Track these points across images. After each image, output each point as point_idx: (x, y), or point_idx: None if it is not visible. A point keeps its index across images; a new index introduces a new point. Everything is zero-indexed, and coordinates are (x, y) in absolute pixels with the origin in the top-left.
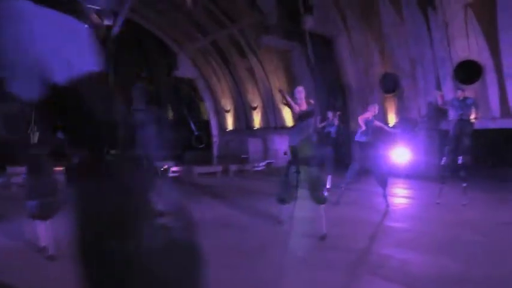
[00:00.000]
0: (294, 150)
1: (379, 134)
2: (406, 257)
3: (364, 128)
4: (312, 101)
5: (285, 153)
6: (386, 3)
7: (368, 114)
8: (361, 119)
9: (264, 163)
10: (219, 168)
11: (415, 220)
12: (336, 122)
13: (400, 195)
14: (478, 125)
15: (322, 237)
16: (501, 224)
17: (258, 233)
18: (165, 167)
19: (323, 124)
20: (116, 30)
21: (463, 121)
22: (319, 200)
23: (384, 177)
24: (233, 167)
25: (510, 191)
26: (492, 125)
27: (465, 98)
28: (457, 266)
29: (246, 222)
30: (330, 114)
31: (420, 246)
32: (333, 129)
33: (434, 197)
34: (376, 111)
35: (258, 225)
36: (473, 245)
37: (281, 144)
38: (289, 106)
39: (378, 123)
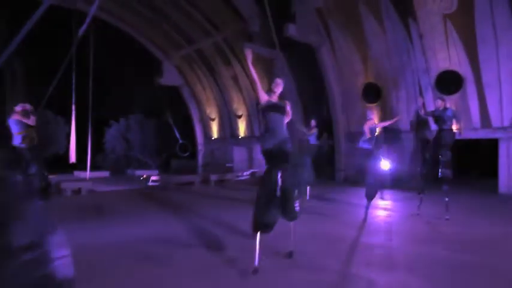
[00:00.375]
0: (269, 154)
1: (380, 143)
2: (374, 278)
3: (369, 135)
4: (287, 102)
5: None
6: (368, 14)
7: (372, 122)
8: (366, 127)
9: (248, 172)
10: (198, 177)
11: (391, 235)
12: (315, 130)
13: (381, 207)
14: (458, 136)
15: (289, 255)
16: (478, 240)
17: (208, 251)
18: (145, 175)
19: (304, 131)
20: (82, 29)
21: (444, 131)
22: (290, 215)
23: (373, 189)
24: (214, 177)
25: (490, 202)
26: (473, 136)
27: (445, 109)
28: (428, 286)
29: (198, 239)
30: (313, 122)
31: (392, 265)
32: (312, 138)
33: (414, 209)
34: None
35: (213, 241)
36: (447, 263)
37: None
38: (254, 82)
39: (379, 124)
